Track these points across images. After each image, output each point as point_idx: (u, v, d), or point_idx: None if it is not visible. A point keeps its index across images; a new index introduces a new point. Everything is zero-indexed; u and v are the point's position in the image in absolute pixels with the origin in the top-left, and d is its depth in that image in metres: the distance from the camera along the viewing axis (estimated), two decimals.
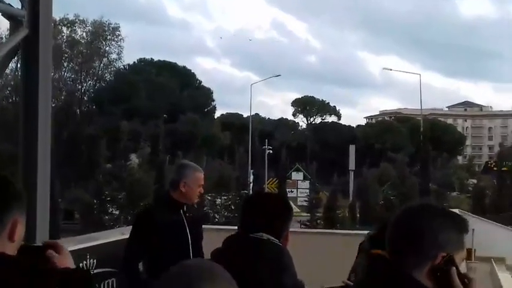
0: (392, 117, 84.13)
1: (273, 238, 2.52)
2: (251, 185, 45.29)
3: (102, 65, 58.25)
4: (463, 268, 1.73)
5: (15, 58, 6.94)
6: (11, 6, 5.96)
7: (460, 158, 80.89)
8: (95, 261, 4.64)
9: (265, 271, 2.45)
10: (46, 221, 6.20)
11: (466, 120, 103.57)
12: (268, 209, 2.58)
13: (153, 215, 4.20)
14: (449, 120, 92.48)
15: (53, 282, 1.72)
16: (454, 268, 1.66)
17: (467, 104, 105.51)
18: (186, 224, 4.20)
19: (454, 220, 1.76)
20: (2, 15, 6.19)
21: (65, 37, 55.52)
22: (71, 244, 4.63)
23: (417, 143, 56.75)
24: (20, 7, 5.93)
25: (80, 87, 57.69)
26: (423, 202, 1.84)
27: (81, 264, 4.53)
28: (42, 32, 5.92)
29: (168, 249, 3.88)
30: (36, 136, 5.96)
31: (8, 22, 6.50)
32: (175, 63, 65.46)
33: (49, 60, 6.15)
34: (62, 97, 55.68)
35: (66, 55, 55.73)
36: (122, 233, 4.82)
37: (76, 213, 40.14)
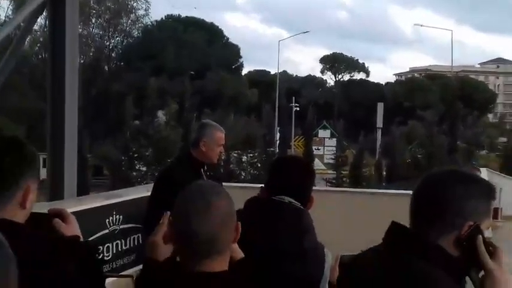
0: (423, 75, 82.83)
1: (294, 201, 2.52)
2: (277, 142, 45.32)
3: (129, 21, 58.07)
4: (488, 232, 1.68)
5: (43, 14, 6.93)
6: None
7: (491, 116, 79.61)
8: (121, 217, 4.72)
9: (285, 233, 2.46)
10: (74, 176, 6.30)
11: (498, 78, 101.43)
12: (292, 173, 2.59)
13: (173, 174, 4.21)
14: (481, 78, 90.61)
15: (65, 252, 1.69)
16: (480, 237, 1.61)
17: (499, 61, 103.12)
18: None
19: (482, 187, 1.68)
20: None
21: None
22: (98, 200, 4.71)
23: (447, 101, 55.95)
24: None
25: (108, 43, 57.73)
26: (449, 168, 1.76)
27: (107, 220, 4.61)
28: None
29: None
30: (63, 92, 6.00)
31: None
32: (203, 19, 65.02)
33: (76, 16, 6.15)
34: (91, 53, 55.87)
35: (94, 11, 55.63)
36: (147, 190, 4.88)
37: (105, 169, 40.80)
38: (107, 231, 4.59)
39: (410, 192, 1.73)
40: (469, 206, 1.63)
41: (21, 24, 6.37)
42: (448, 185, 1.65)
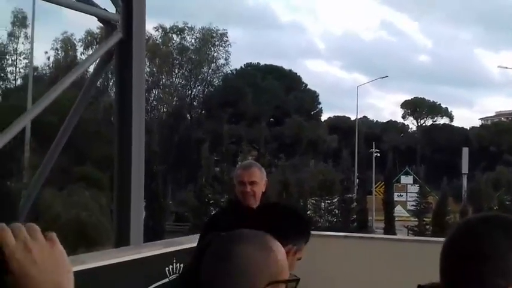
0: (510, 118, 79.91)
1: None
2: (356, 188, 44.49)
3: (210, 70, 59.66)
4: None
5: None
6: (106, 11, 6.09)
7: None
8: (181, 265, 4.57)
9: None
10: (140, 223, 6.26)
11: None
12: (268, 219, 2.12)
13: (217, 221, 3.91)
14: None
15: None
16: None
17: None
18: None
19: None
20: (97, 20, 6.35)
21: (175, 44, 57.40)
22: (157, 248, 4.59)
23: None
24: (114, 11, 6.05)
25: (189, 92, 59.39)
26: (489, 214, 1.38)
27: (167, 269, 4.46)
28: (136, 36, 5.99)
29: None
30: (130, 139, 6.01)
31: (104, 27, 6.63)
32: (281, 66, 65.83)
33: (142, 62, 6.23)
34: (174, 102, 57.63)
35: (176, 62, 57.62)
36: None
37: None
38: (166, 279, 4.45)
39: None
40: None
41: (90, 70, 6.55)
42: (487, 235, 1.25)
